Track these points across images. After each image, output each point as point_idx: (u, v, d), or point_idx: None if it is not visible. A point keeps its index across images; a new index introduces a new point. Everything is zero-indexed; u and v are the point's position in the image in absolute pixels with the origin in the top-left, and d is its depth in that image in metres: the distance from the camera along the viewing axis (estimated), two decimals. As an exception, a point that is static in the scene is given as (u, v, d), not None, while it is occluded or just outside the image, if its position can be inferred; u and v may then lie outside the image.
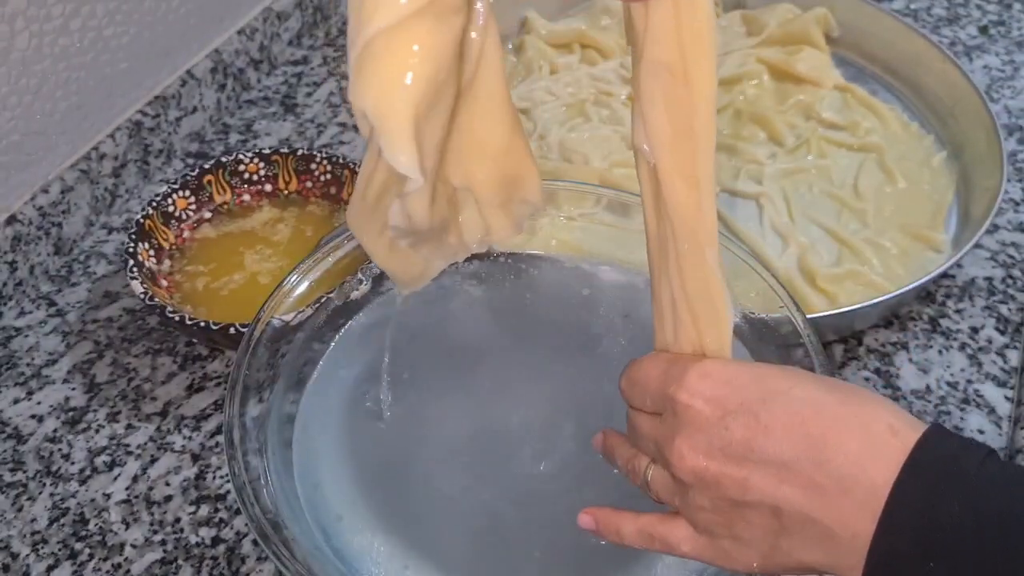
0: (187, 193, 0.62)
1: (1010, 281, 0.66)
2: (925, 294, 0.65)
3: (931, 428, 0.33)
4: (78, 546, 0.51)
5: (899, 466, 0.32)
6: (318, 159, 0.64)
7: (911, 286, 0.57)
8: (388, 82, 0.29)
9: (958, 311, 0.64)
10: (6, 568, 0.50)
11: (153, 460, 0.55)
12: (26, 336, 0.62)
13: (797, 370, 0.37)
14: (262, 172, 0.64)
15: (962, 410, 0.58)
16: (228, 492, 0.53)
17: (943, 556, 0.31)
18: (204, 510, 0.53)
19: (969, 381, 0.60)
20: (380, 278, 0.52)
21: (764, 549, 0.35)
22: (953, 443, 0.33)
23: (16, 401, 0.58)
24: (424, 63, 0.29)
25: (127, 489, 0.54)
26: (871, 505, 0.32)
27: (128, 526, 0.52)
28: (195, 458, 0.55)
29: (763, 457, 0.34)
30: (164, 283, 0.59)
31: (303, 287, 0.48)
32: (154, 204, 0.61)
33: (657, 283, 0.39)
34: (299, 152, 0.64)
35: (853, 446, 0.33)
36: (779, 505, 0.34)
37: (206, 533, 0.52)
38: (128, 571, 0.50)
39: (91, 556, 0.51)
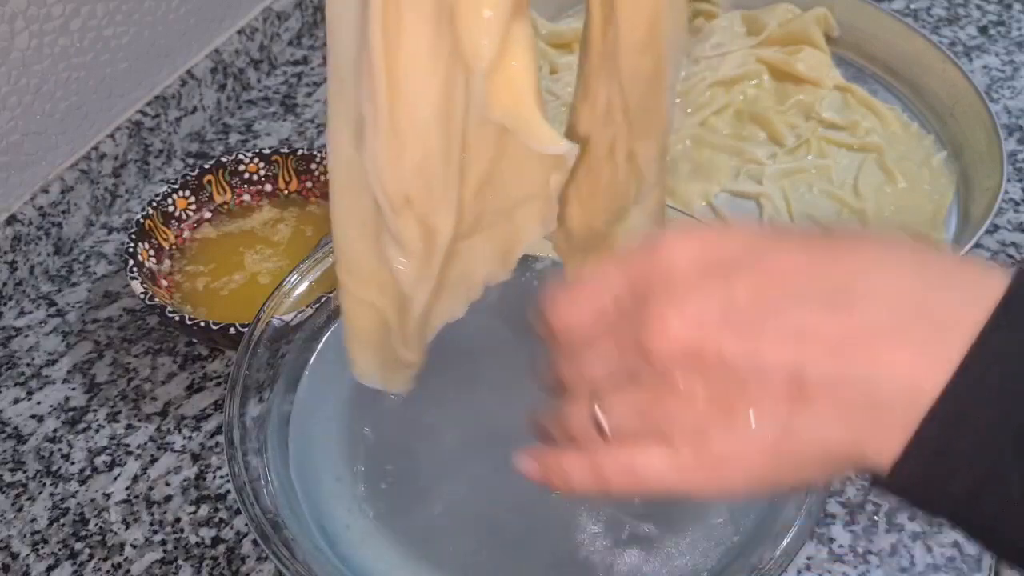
0: (187, 193, 0.62)
1: (1010, 281, 0.66)
2: (925, 294, 0.65)
3: (1019, 274, 0.26)
4: (78, 546, 0.51)
5: (988, 305, 0.25)
6: (318, 159, 0.64)
7: (911, 286, 0.57)
8: (520, 85, 0.30)
9: (958, 311, 0.64)
10: (6, 568, 0.50)
11: (153, 460, 0.55)
12: (26, 336, 0.62)
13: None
14: (262, 172, 0.64)
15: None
16: (228, 492, 0.53)
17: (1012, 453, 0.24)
18: (204, 510, 0.53)
19: (969, 381, 0.59)
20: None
21: (772, 435, 0.27)
22: None
23: (16, 401, 0.58)
24: (532, 59, 0.30)
25: (127, 489, 0.54)
26: (940, 354, 0.25)
27: (128, 526, 0.52)
28: (195, 458, 0.55)
29: (778, 314, 0.27)
30: (164, 283, 0.59)
31: (303, 287, 0.48)
32: (154, 204, 0.61)
33: (593, 82, 0.34)
34: (299, 152, 0.64)
35: (905, 282, 0.26)
36: (800, 369, 0.26)
37: (206, 533, 0.52)
38: (128, 571, 0.50)
39: (91, 556, 0.51)
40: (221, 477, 0.54)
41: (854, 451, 0.27)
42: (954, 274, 0.26)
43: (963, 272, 0.27)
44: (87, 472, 0.55)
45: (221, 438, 0.56)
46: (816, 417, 0.27)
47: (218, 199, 0.64)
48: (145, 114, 0.70)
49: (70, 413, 0.57)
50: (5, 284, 0.62)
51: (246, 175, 0.64)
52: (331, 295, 0.50)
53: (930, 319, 0.26)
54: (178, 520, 0.52)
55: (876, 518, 0.53)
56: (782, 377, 0.27)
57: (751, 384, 0.27)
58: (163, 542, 0.51)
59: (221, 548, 0.51)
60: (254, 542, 0.51)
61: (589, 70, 0.35)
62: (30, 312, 0.63)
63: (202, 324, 0.53)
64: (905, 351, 0.26)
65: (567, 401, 0.32)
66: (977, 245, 0.66)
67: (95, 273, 0.65)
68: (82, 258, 0.66)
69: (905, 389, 0.26)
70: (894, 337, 0.26)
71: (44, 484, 0.54)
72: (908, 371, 0.25)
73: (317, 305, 0.50)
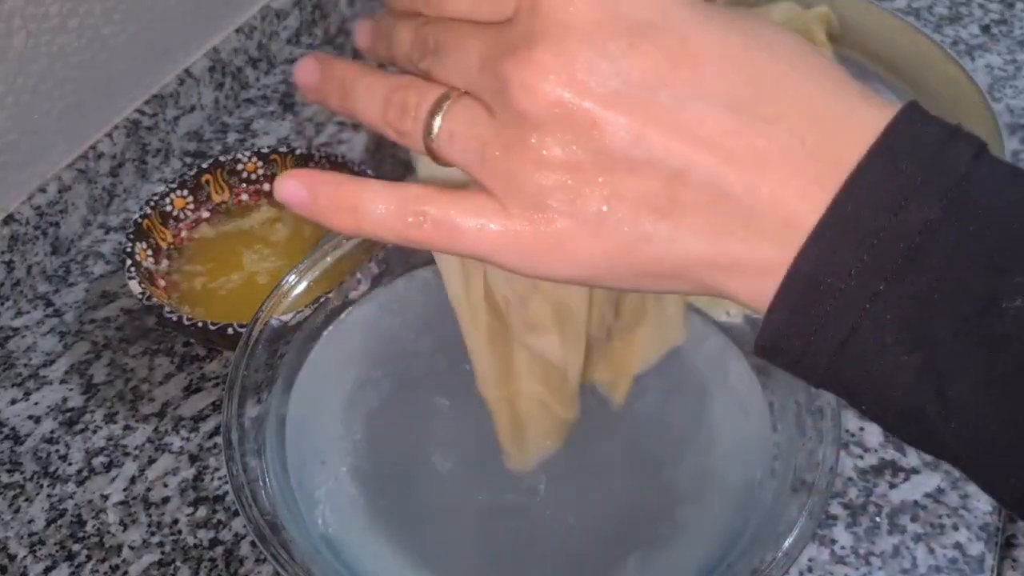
0: (185, 192, 0.62)
1: (1013, 281, 0.66)
2: (927, 294, 0.64)
3: (909, 104, 0.24)
4: (75, 547, 0.51)
5: (866, 141, 0.23)
6: (317, 158, 0.64)
7: (913, 286, 0.57)
8: None
9: (960, 311, 0.63)
10: (3, 570, 0.50)
11: (151, 461, 0.55)
12: (23, 336, 0.61)
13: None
14: (260, 171, 0.64)
15: (965, 411, 0.58)
16: (226, 493, 0.53)
17: (901, 277, 0.22)
18: (202, 511, 0.52)
19: (972, 381, 0.59)
20: (379, 278, 0.52)
21: (628, 238, 0.24)
22: (938, 127, 0.24)
23: (13, 402, 0.58)
24: None
25: (125, 490, 0.53)
26: (828, 186, 0.23)
27: (126, 527, 0.52)
28: (193, 459, 0.55)
29: (678, 100, 0.23)
30: (162, 283, 0.59)
31: (301, 287, 0.48)
32: (152, 204, 0.60)
33: None
34: (298, 151, 0.64)
35: (817, 104, 0.24)
36: (684, 170, 0.23)
37: (204, 535, 0.51)
38: (126, 573, 0.50)
39: (89, 558, 0.51)
40: (219, 478, 0.54)
41: (712, 278, 0.25)
42: (857, 106, 0.24)
43: (863, 103, 0.25)
44: (85, 473, 0.54)
45: (219, 439, 0.55)
46: (682, 229, 0.24)
47: (216, 198, 0.64)
48: (143, 113, 0.69)
49: (67, 414, 0.57)
50: (2, 284, 0.62)
51: (244, 174, 0.64)
52: (329, 295, 0.50)
53: (824, 152, 0.23)
54: (176, 521, 0.52)
55: (878, 519, 0.53)
56: (661, 173, 0.24)
57: (622, 169, 0.24)
58: (161, 544, 0.51)
59: (219, 550, 0.51)
60: (252, 544, 0.51)
61: None
62: (27, 312, 0.63)
63: (200, 324, 0.53)
64: (792, 184, 0.23)
65: (403, 77, 0.27)
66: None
67: (93, 273, 0.65)
68: (80, 258, 0.66)
69: (784, 225, 0.23)
70: (787, 166, 0.23)
71: (41, 485, 0.54)
72: (793, 204, 0.23)
73: (316, 305, 0.49)
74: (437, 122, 0.25)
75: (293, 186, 0.27)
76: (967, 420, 0.23)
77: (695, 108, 0.23)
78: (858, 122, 0.24)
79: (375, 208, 0.26)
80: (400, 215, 0.26)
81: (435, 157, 0.26)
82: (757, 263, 0.24)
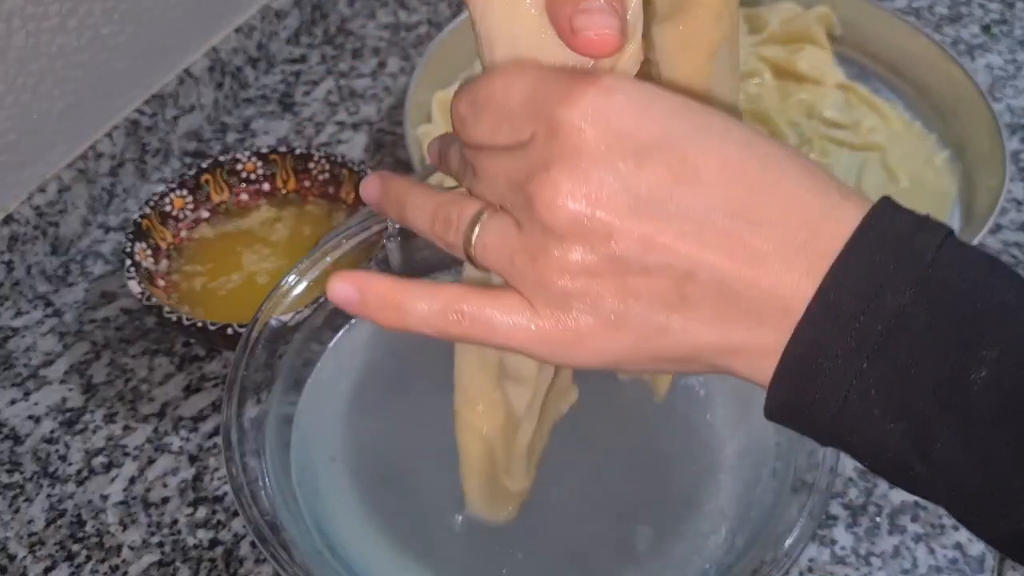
0: (184, 192, 0.62)
1: (1013, 281, 0.65)
2: (927, 294, 0.64)
3: (883, 200, 0.27)
4: (75, 548, 0.51)
5: (846, 234, 0.26)
6: (316, 158, 0.64)
7: (914, 286, 0.57)
8: None
9: (961, 311, 0.63)
10: (3, 570, 0.50)
11: (150, 461, 0.55)
12: (23, 336, 0.61)
13: (719, 111, 0.29)
14: (260, 171, 0.64)
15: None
16: (226, 494, 0.53)
17: (881, 354, 0.25)
18: (202, 512, 0.52)
19: (972, 382, 0.59)
20: (379, 278, 0.52)
21: (646, 331, 0.28)
22: (908, 219, 0.27)
23: (13, 402, 0.58)
24: None
25: (124, 491, 0.53)
26: (816, 277, 0.26)
27: (125, 528, 0.52)
28: (193, 459, 0.55)
29: (683, 209, 0.26)
30: (161, 283, 0.59)
31: (301, 287, 0.48)
32: (151, 204, 0.60)
33: None
34: (297, 151, 0.64)
35: (804, 206, 0.26)
36: (692, 271, 0.26)
37: (204, 535, 0.51)
38: (125, 573, 0.50)
39: (88, 558, 0.51)
40: (219, 479, 0.54)
41: (721, 360, 0.28)
42: (837, 204, 0.27)
43: (843, 201, 0.27)
44: (84, 473, 0.54)
45: (219, 439, 0.55)
46: (693, 321, 0.27)
47: (216, 198, 0.63)
48: (142, 113, 0.69)
49: (67, 414, 0.57)
50: (2, 284, 0.62)
51: (244, 174, 0.64)
52: (329, 295, 0.50)
53: (812, 247, 0.26)
54: (176, 522, 0.52)
55: (878, 520, 0.52)
56: (672, 275, 0.27)
57: (636, 273, 0.27)
58: (160, 544, 0.51)
59: (219, 550, 0.51)
60: (252, 544, 0.51)
61: None
62: (27, 312, 0.63)
63: (199, 324, 0.53)
64: (787, 277, 0.26)
65: (449, 194, 0.31)
66: (980, 245, 0.65)
67: (92, 273, 0.65)
68: (79, 258, 0.66)
69: (782, 313, 0.26)
70: (781, 262, 0.26)
71: (41, 485, 0.54)
72: (789, 294, 0.26)
73: (315, 305, 0.49)
74: (474, 235, 0.29)
75: (344, 288, 0.30)
76: (951, 478, 0.26)
77: (698, 217, 0.26)
78: (838, 219, 0.27)
79: (418, 307, 0.29)
80: (441, 314, 0.29)
81: (474, 263, 0.30)
82: (759, 347, 0.27)
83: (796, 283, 0.26)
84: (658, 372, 0.30)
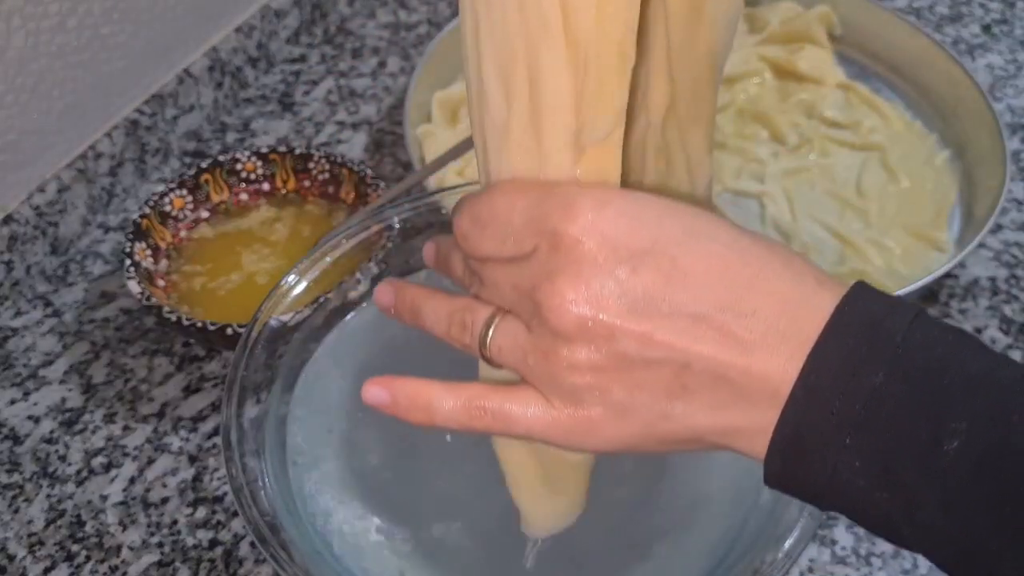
0: (184, 192, 0.62)
1: (1013, 281, 0.65)
2: (928, 294, 0.64)
3: (856, 285, 0.30)
4: (75, 548, 0.51)
5: (823, 320, 0.29)
6: (316, 158, 0.64)
7: (914, 286, 0.57)
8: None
9: (961, 311, 0.63)
10: (3, 570, 0.50)
11: (150, 462, 0.55)
12: (22, 336, 0.61)
13: (704, 211, 0.32)
14: (260, 171, 0.64)
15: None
16: (226, 494, 0.53)
17: (861, 431, 0.28)
18: (201, 512, 0.52)
19: (972, 382, 0.59)
20: (378, 278, 0.52)
21: (650, 418, 0.30)
22: (879, 302, 0.29)
23: (12, 402, 0.58)
24: None
25: (124, 491, 0.53)
26: (798, 362, 0.29)
27: (125, 528, 0.52)
28: (192, 460, 0.55)
29: (676, 308, 0.29)
30: (161, 283, 0.59)
31: (301, 287, 0.48)
32: (151, 203, 0.60)
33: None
34: (297, 151, 0.64)
35: (784, 296, 0.29)
36: (689, 362, 0.29)
37: (203, 535, 0.51)
38: (125, 573, 0.50)
39: (88, 558, 0.50)
40: (218, 479, 0.54)
41: (721, 440, 0.31)
42: (814, 291, 0.30)
43: (819, 288, 0.30)
44: (84, 474, 0.54)
45: (218, 439, 0.55)
46: (692, 406, 0.30)
47: (215, 198, 0.63)
48: (142, 113, 0.69)
49: (67, 414, 0.57)
50: (1, 284, 0.62)
51: (243, 174, 0.64)
52: (329, 295, 0.50)
53: (793, 333, 0.29)
54: (175, 522, 0.52)
55: (879, 520, 0.52)
56: (670, 367, 0.30)
57: (638, 367, 0.30)
58: (160, 544, 0.51)
59: (219, 550, 0.51)
60: (252, 544, 0.51)
61: (648, 68, 0.34)
62: (26, 312, 0.63)
63: (199, 324, 0.53)
64: (773, 364, 0.29)
65: (460, 299, 0.34)
66: (981, 245, 0.65)
67: (92, 273, 0.65)
68: (79, 258, 0.66)
69: (772, 395, 0.29)
70: (767, 350, 0.29)
71: (41, 486, 0.54)
72: (776, 378, 0.29)
73: (315, 305, 0.49)
74: (488, 338, 0.32)
75: (376, 391, 0.34)
76: (936, 540, 0.28)
77: (690, 313, 0.29)
78: (815, 306, 0.29)
79: (443, 405, 0.33)
80: (464, 410, 0.32)
81: (489, 363, 0.33)
82: (753, 427, 0.30)
83: (782, 368, 0.29)
84: (662, 453, 0.33)
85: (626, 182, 0.36)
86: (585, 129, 0.32)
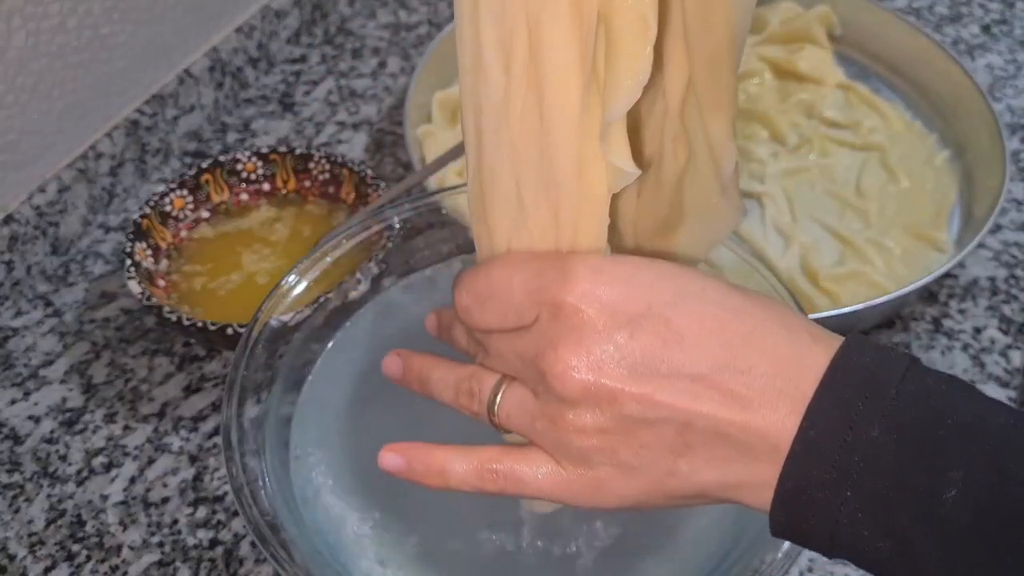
0: (184, 192, 0.62)
1: (1013, 281, 0.66)
2: (928, 294, 0.64)
3: (850, 339, 0.31)
4: (75, 548, 0.51)
5: (819, 375, 0.29)
6: (316, 158, 0.64)
7: (914, 286, 0.57)
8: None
9: (961, 311, 0.63)
10: (3, 570, 0.50)
11: (151, 461, 0.55)
12: (23, 336, 0.61)
13: (698, 270, 0.32)
14: (260, 171, 0.64)
15: (965, 411, 0.58)
16: (226, 494, 0.53)
17: (861, 483, 0.28)
18: (202, 512, 0.52)
19: (972, 382, 0.59)
20: (379, 278, 0.52)
21: (656, 475, 0.31)
22: (872, 355, 0.30)
23: (13, 402, 0.58)
24: None
25: (124, 491, 0.53)
26: (796, 417, 0.29)
27: (126, 528, 0.52)
28: (193, 459, 0.55)
29: (674, 369, 0.30)
30: (161, 283, 0.59)
31: (301, 287, 0.48)
32: (151, 204, 0.60)
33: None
34: (297, 151, 0.64)
35: (779, 352, 0.30)
36: (690, 421, 0.30)
37: (204, 535, 0.51)
38: (125, 573, 0.50)
39: (88, 558, 0.51)
40: (219, 479, 0.54)
41: (727, 494, 0.31)
42: (809, 347, 0.30)
43: (814, 344, 0.30)
44: (84, 473, 0.54)
45: (219, 439, 0.55)
46: (696, 463, 0.31)
47: (216, 198, 0.63)
48: (142, 113, 0.69)
49: (67, 414, 0.57)
50: (2, 284, 0.62)
51: (244, 174, 0.64)
52: (329, 295, 0.50)
53: (790, 389, 0.30)
54: (176, 522, 0.52)
55: (879, 520, 0.52)
56: (672, 426, 0.30)
57: (642, 427, 0.31)
58: (160, 544, 0.51)
59: (219, 550, 0.51)
60: (252, 544, 0.51)
61: (663, 47, 0.33)
62: (27, 312, 0.63)
63: (199, 324, 0.53)
64: (771, 419, 0.29)
65: (465, 367, 0.35)
66: (980, 245, 0.65)
67: (92, 273, 0.65)
68: (79, 258, 0.66)
69: (773, 450, 0.30)
70: (765, 405, 0.30)
71: (41, 485, 0.54)
72: (776, 433, 0.29)
73: (315, 305, 0.49)
74: (497, 405, 0.33)
75: (392, 457, 0.35)
76: None
77: (688, 374, 0.30)
78: (811, 362, 0.30)
79: (457, 469, 0.34)
80: (477, 473, 0.33)
81: (498, 429, 0.34)
82: (757, 481, 0.30)
83: (781, 423, 0.29)
84: (670, 507, 0.33)
85: (645, 173, 0.35)
86: (596, 105, 0.30)
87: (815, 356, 0.30)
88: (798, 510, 0.30)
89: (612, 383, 0.30)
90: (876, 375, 0.29)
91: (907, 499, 0.28)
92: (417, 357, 0.37)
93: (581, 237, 0.33)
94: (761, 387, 0.30)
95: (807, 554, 0.51)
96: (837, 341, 0.31)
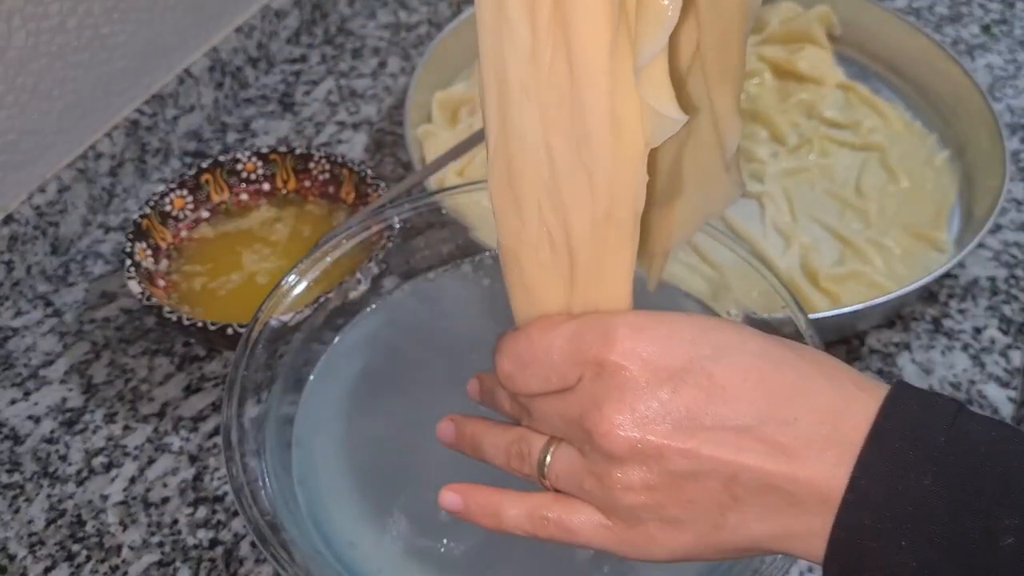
0: (184, 192, 0.62)
1: (1013, 281, 0.66)
2: (928, 294, 0.64)
3: (896, 386, 0.31)
4: (75, 548, 0.51)
5: (867, 423, 0.29)
6: (316, 158, 0.64)
7: (914, 286, 0.57)
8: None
9: (961, 311, 0.63)
10: (3, 570, 0.50)
11: (151, 461, 0.55)
12: (23, 336, 0.61)
13: (735, 322, 0.33)
14: (260, 171, 0.64)
15: (965, 411, 0.58)
16: (226, 494, 0.53)
17: (915, 532, 0.28)
18: (202, 512, 0.52)
19: (972, 382, 0.59)
20: (379, 278, 0.52)
21: (705, 529, 0.31)
22: (920, 402, 0.30)
23: (13, 402, 0.58)
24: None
25: (124, 491, 0.53)
26: (846, 467, 0.29)
27: (126, 528, 0.52)
28: (193, 459, 0.55)
29: (718, 422, 0.30)
30: (161, 283, 0.59)
31: (301, 287, 0.48)
32: (151, 203, 0.60)
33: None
34: (297, 151, 0.64)
35: (824, 402, 0.30)
36: (736, 474, 0.30)
37: (204, 535, 0.51)
38: (126, 573, 0.50)
39: (88, 558, 0.51)
40: (219, 479, 0.54)
41: (777, 545, 0.31)
42: (854, 396, 0.30)
43: (859, 392, 0.30)
44: (84, 473, 0.54)
45: (219, 439, 0.55)
46: (744, 515, 0.31)
47: (216, 198, 0.63)
48: (142, 113, 0.69)
49: (67, 414, 0.57)
50: (2, 284, 0.62)
51: (244, 174, 0.64)
52: (329, 295, 0.50)
53: (837, 438, 0.29)
54: (176, 522, 0.52)
55: (879, 520, 0.52)
56: (719, 479, 0.30)
57: (688, 482, 0.31)
58: (161, 544, 0.51)
59: (219, 550, 0.51)
60: (252, 544, 0.51)
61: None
62: (27, 312, 0.63)
63: (199, 324, 0.53)
64: (819, 469, 0.29)
65: (513, 429, 0.35)
66: (980, 245, 0.65)
67: (92, 273, 0.65)
68: (79, 258, 0.66)
69: (822, 500, 0.29)
70: (812, 456, 0.30)
71: (41, 485, 0.54)
72: (824, 483, 0.29)
73: (315, 305, 0.49)
74: (546, 465, 0.34)
75: (452, 497, 0.36)
76: None
77: (731, 426, 0.30)
78: (857, 410, 0.30)
79: (510, 513, 0.34)
80: (529, 519, 0.34)
81: (547, 489, 0.34)
82: (807, 532, 0.30)
83: (829, 473, 0.29)
84: (726, 560, 0.34)
85: None
86: (627, 53, 0.30)
87: (861, 405, 0.30)
88: (852, 560, 0.29)
89: (657, 439, 0.31)
90: (925, 422, 0.29)
91: (963, 547, 0.28)
92: (470, 423, 0.38)
93: (618, 202, 0.32)
94: (807, 438, 0.30)
95: (807, 554, 0.51)
96: (882, 389, 0.31)
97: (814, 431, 0.30)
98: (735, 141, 0.36)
